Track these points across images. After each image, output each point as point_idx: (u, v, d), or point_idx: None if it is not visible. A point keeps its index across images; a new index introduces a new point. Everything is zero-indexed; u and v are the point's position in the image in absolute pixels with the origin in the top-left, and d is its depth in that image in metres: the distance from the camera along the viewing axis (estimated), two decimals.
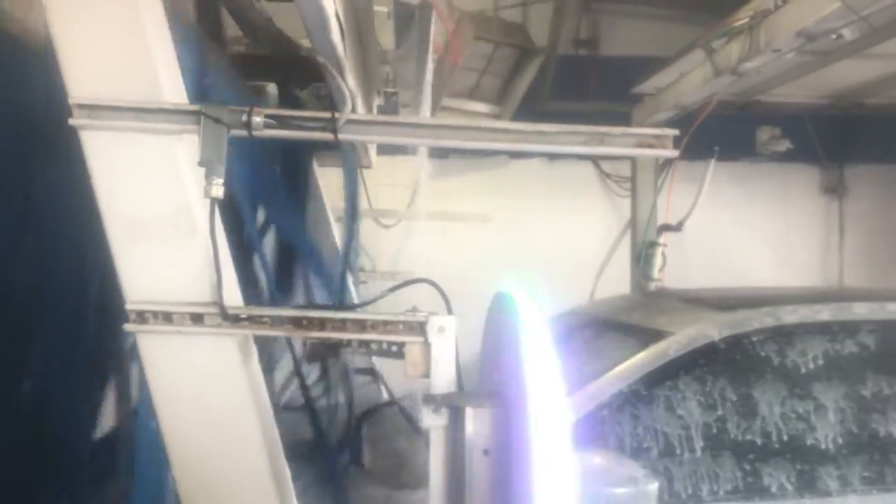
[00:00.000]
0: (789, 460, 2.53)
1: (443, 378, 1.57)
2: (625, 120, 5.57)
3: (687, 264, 5.81)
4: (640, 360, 2.57)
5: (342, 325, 1.63)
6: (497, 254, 5.75)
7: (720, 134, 5.15)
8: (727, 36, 4.22)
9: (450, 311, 1.66)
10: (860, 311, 2.74)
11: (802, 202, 6.73)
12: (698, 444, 2.50)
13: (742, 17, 4.03)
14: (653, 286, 5.37)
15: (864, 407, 2.61)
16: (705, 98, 4.94)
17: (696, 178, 5.10)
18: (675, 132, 1.72)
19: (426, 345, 1.59)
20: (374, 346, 1.67)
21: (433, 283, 1.74)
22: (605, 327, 3.13)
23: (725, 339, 2.61)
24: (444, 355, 1.58)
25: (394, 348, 1.64)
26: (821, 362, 2.63)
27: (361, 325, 1.62)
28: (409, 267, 5.41)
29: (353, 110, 1.76)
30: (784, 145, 6.11)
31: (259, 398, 1.71)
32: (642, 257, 5.63)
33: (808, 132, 6.32)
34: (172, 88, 1.64)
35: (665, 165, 6.05)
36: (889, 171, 6.68)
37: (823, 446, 2.56)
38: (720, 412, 2.54)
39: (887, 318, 2.75)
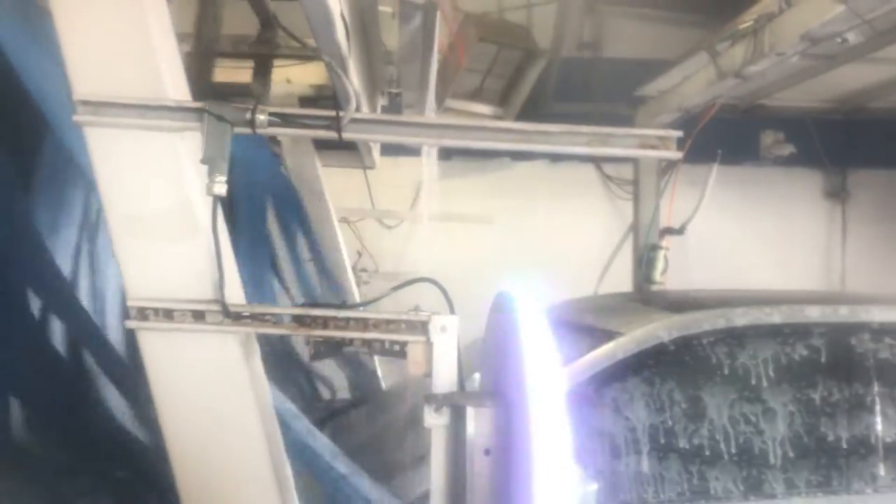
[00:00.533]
0: (736, 463, 2.50)
1: (445, 377, 1.57)
2: (628, 122, 5.56)
3: (689, 267, 5.80)
4: (587, 362, 2.53)
5: (345, 323, 1.63)
6: (499, 255, 5.75)
7: (723, 137, 5.15)
8: (731, 39, 4.22)
9: (452, 311, 1.66)
10: (812, 314, 2.70)
11: (805, 206, 6.72)
12: (644, 446, 2.47)
13: (746, 21, 4.02)
14: (655, 289, 5.37)
15: (813, 410, 2.58)
16: (709, 101, 4.94)
17: (698, 182, 5.11)
18: (678, 133, 1.72)
19: (428, 344, 1.59)
20: (376, 345, 1.67)
21: (435, 283, 1.74)
22: (564, 328, 3.09)
23: (675, 341, 2.56)
24: (446, 354, 1.58)
25: (396, 347, 1.64)
26: (771, 365, 2.60)
27: (364, 324, 1.63)
28: (412, 267, 5.40)
29: (358, 109, 1.75)
30: (787, 149, 6.10)
31: (261, 396, 1.71)
32: (644, 260, 5.64)
33: (811, 136, 6.31)
34: (175, 86, 1.64)
35: (668, 169, 6.04)
36: (892, 175, 6.67)
37: (771, 449, 2.53)
38: (668, 414, 2.50)
39: (839, 322, 2.70)
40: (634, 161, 6.13)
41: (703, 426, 2.51)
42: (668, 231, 5.57)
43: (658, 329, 2.58)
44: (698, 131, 4.59)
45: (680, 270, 5.64)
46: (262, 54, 3.33)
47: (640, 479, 2.44)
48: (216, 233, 1.60)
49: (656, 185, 6.11)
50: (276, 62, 3.57)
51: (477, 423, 1.48)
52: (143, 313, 1.61)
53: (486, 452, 1.47)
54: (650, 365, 2.53)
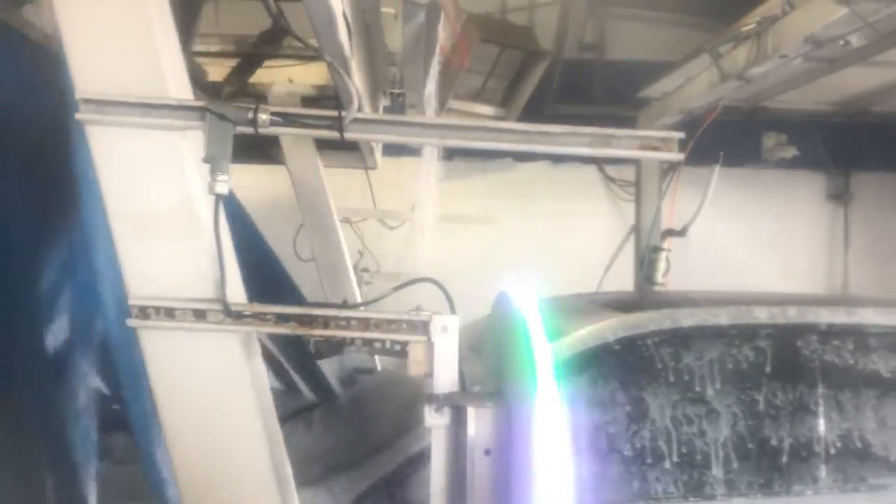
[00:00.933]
0: (677, 464, 2.46)
1: (445, 377, 1.57)
2: (630, 124, 5.56)
3: (691, 269, 5.80)
4: None
5: (346, 323, 1.63)
6: (500, 256, 5.75)
7: (726, 139, 5.14)
8: (734, 41, 4.22)
9: (453, 311, 1.66)
10: (760, 315, 2.66)
11: (807, 209, 6.72)
12: (585, 446, 2.42)
13: (749, 23, 4.02)
14: (656, 290, 5.36)
15: (757, 412, 2.55)
16: (711, 103, 4.94)
17: (700, 184, 5.09)
18: (680, 135, 1.72)
19: (429, 344, 1.59)
20: (377, 345, 1.67)
21: (437, 283, 1.74)
22: None
23: (620, 341, 2.52)
24: (447, 354, 1.58)
25: (397, 347, 1.64)
26: (716, 366, 2.56)
27: (365, 324, 1.63)
28: (414, 268, 5.40)
29: (360, 109, 1.75)
30: (790, 152, 6.09)
31: (262, 395, 1.71)
32: (646, 262, 5.62)
33: (814, 139, 6.31)
34: (178, 85, 1.64)
35: (670, 170, 6.04)
36: (894, 178, 6.66)
37: (713, 451, 2.49)
38: (610, 414, 2.45)
39: (786, 323, 2.66)
40: (636, 163, 6.13)
41: (646, 427, 2.47)
42: (670, 232, 5.55)
43: (603, 329, 2.54)
44: (700, 133, 4.57)
45: (681, 272, 5.63)
46: (253, 54, 3.35)
47: (580, 479, 2.41)
48: (218, 232, 1.60)
49: (658, 186, 6.11)
50: (280, 62, 3.59)
51: (477, 424, 1.48)
52: (144, 312, 1.61)
53: (487, 452, 1.47)
54: (594, 365, 2.50)
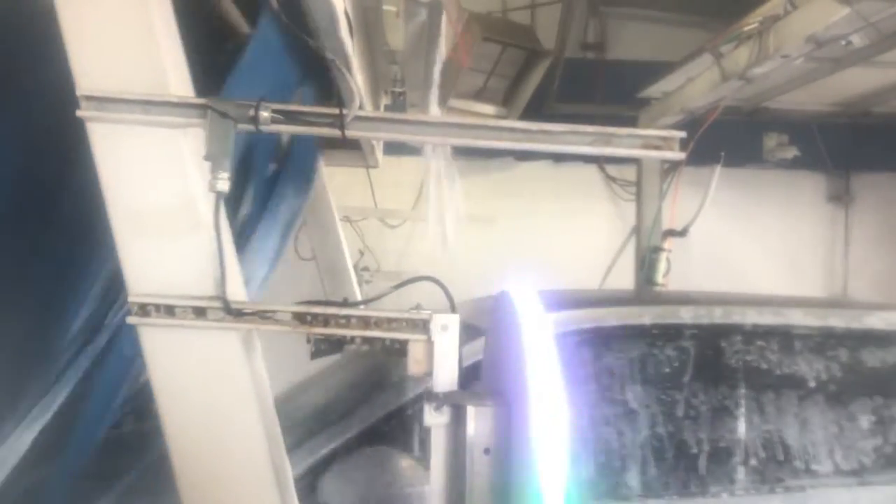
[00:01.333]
0: (592, 465, 2.43)
1: (445, 376, 1.57)
2: (631, 124, 5.53)
3: (691, 270, 5.79)
4: None
5: (346, 321, 1.63)
6: (501, 255, 5.74)
7: (727, 140, 5.14)
8: (736, 41, 4.21)
9: (453, 310, 1.65)
10: (685, 315, 2.64)
11: (808, 210, 6.71)
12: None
13: (751, 22, 4.02)
14: (657, 290, 5.36)
15: (676, 413, 2.52)
16: (712, 103, 4.93)
17: (701, 184, 5.10)
18: (681, 134, 1.71)
19: (429, 342, 1.58)
20: (377, 344, 1.66)
21: (437, 281, 1.74)
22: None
23: None
24: (447, 353, 1.58)
25: (397, 346, 1.63)
26: (637, 366, 2.53)
27: (365, 322, 1.62)
28: (414, 267, 5.40)
29: (361, 107, 1.75)
30: (791, 152, 6.09)
31: (262, 393, 1.70)
32: (647, 262, 5.62)
33: (815, 140, 6.30)
34: (179, 82, 1.64)
35: (671, 170, 6.03)
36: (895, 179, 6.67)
37: (630, 452, 2.46)
38: None
39: (711, 323, 2.64)
40: (637, 162, 6.12)
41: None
42: (671, 233, 5.56)
43: None
44: (701, 133, 4.57)
45: (682, 272, 5.64)
46: None
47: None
48: (218, 230, 1.60)
49: (659, 186, 6.10)
50: None
51: (477, 423, 1.48)
52: (144, 309, 1.61)
53: (486, 451, 1.47)
54: None
